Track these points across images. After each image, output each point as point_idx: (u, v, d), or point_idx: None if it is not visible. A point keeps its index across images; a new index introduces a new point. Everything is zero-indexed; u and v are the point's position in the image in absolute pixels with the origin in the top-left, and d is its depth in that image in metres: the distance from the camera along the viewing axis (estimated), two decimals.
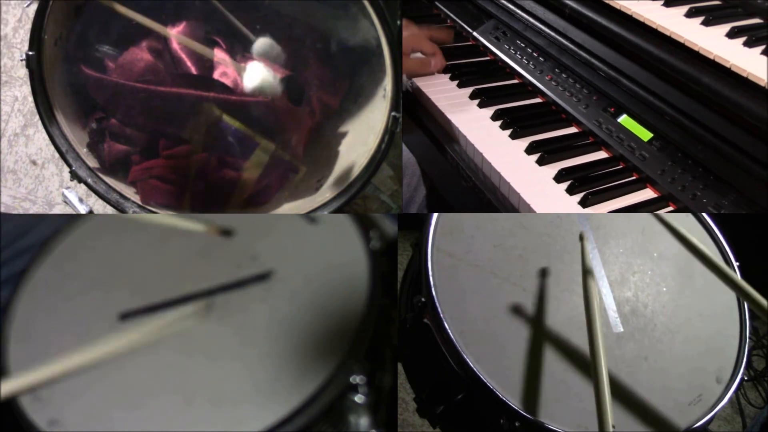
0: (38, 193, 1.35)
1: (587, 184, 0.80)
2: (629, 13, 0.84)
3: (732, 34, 0.78)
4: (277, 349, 0.75)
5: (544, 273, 0.91)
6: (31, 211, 1.34)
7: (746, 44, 0.76)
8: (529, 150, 0.87)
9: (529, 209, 0.78)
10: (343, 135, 1.14)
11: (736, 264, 0.99)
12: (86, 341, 0.75)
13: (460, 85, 1.00)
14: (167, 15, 1.07)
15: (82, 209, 1.27)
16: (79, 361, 0.73)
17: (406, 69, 1.00)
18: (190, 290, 0.82)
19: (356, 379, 0.72)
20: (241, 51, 1.11)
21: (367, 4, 0.93)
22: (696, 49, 0.76)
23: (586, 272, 0.82)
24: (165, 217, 0.88)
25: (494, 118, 0.93)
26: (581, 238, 0.90)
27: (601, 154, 0.87)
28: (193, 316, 0.79)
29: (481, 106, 0.96)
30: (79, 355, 0.73)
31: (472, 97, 0.97)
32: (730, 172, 0.74)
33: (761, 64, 0.72)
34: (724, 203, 0.74)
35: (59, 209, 1.34)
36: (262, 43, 1.08)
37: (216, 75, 1.08)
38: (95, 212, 1.29)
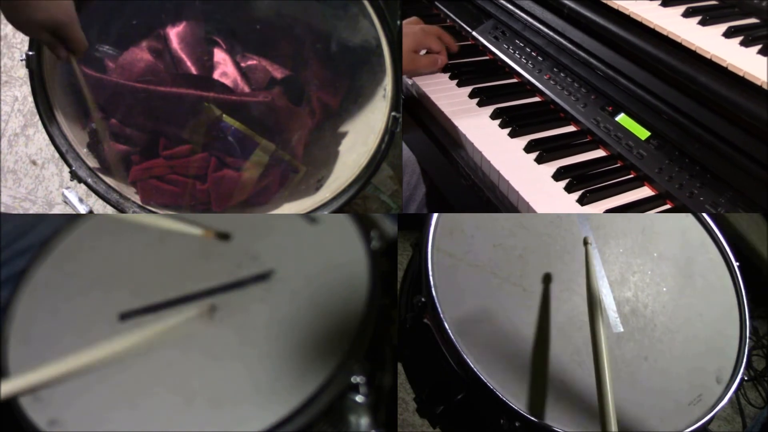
0: (38, 193, 1.35)
1: (585, 182, 0.81)
2: (627, 12, 0.85)
3: (729, 34, 0.78)
4: (277, 349, 0.75)
5: (546, 278, 0.91)
6: (31, 211, 1.34)
7: (743, 44, 0.77)
8: (528, 148, 0.87)
9: (528, 207, 0.79)
10: (343, 135, 1.14)
11: (736, 264, 0.99)
12: (86, 341, 0.75)
13: (459, 84, 1.00)
14: (167, 15, 1.07)
15: (82, 209, 1.27)
16: (80, 363, 0.73)
17: (416, 67, 1.01)
18: (190, 290, 0.82)
19: (356, 379, 0.72)
20: (240, 51, 1.11)
21: (367, 4, 0.93)
22: (693, 48, 0.77)
23: (593, 301, 0.80)
24: (162, 219, 0.87)
25: (493, 116, 0.93)
26: (585, 242, 0.90)
27: (599, 153, 0.88)
28: (196, 318, 0.79)
29: (480, 105, 0.96)
30: (80, 356, 0.73)
31: (471, 96, 0.98)
32: (727, 171, 0.75)
33: (757, 64, 0.72)
34: (721, 201, 0.74)
35: (59, 209, 1.34)
36: None
37: (216, 75, 1.08)
38: (95, 212, 1.29)
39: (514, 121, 0.91)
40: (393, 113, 0.97)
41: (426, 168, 1.15)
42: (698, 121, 0.77)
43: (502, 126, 0.91)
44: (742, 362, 0.88)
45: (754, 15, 0.84)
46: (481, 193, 0.88)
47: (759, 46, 0.75)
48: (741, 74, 0.72)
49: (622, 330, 0.88)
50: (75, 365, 0.73)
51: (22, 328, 0.78)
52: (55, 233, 0.91)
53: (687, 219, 1.04)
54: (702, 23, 0.81)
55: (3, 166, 1.35)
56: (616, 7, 0.86)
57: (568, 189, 0.80)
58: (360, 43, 1.09)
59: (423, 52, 1.04)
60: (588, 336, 0.85)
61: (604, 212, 0.78)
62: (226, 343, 0.76)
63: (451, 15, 1.14)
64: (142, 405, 0.70)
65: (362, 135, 1.06)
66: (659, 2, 0.86)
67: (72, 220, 0.93)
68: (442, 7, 1.16)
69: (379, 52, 0.97)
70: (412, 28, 0.99)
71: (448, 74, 1.03)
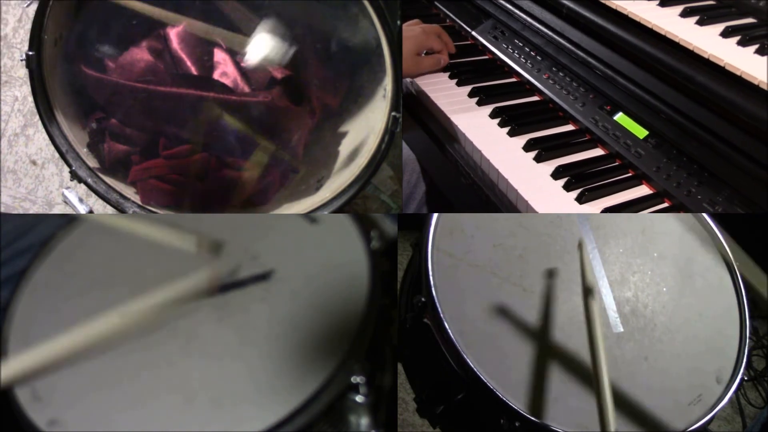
0: (38, 193, 1.35)
1: (584, 181, 0.81)
2: (625, 12, 0.85)
3: (726, 34, 0.79)
4: (277, 349, 0.75)
5: (548, 274, 0.91)
6: (31, 211, 1.34)
7: (740, 43, 0.77)
8: (527, 147, 0.87)
9: (527, 205, 0.79)
10: (343, 135, 1.14)
11: (736, 264, 0.99)
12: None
13: (459, 84, 1.01)
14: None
15: (82, 209, 1.27)
16: (78, 340, 0.73)
17: (419, 69, 1.02)
18: None
19: (356, 379, 0.72)
20: (241, 51, 1.11)
21: (367, 4, 0.93)
22: (691, 48, 0.77)
23: (587, 290, 0.81)
24: (156, 230, 0.86)
25: (492, 116, 0.94)
26: (579, 246, 0.90)
27: (598, 152, 0.88)
28: (195, 292, 0.79)
29: (479, 104, 0.96)
30: (78, 334, 0.74)
31: (470, 95, 0.98)
32: (724, 169, 0.75)
33: (755, 63, 0.73)
34: (718, 200, 0.75)
35: (59, 209, 1.34)
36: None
37: (216, 75, 1.08)
38: (95, 212, 1.29)
39: (513, 120, 0.91)
40: (393, 113, 0.97)
41: (426, 166, 1.15)
42: (696, 120, 0.78)
43: (501, 125, 0.92)
44: (742, 362, 0.88)
45: (752, 15, 0.85)
46: (481, 191, 0.88)
47: (756, 46, 0.76)
48: (738, 73, 0.72)
49: (622, 330, 0.88)
50: (73, 343, 0.73)
51: (22, 328, 0.78)
52: (55, 233, 0.91)
53: (687, 219, 1.04)
54: (700, 23, 0.82)
55: (3, 166, 1.35)
56: (614, 7, 0.86)
57: (567, 187, 0.81)
58: (360, 43, 1.08)
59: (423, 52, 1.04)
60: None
61: (603, 210, 0.79)
62: (226, 343, 0.76)
63: (451, 15, 1.14)
64: (142, 405, 0.70)
65: (362, 135, 1.06)
66: (657, 2, 0.87)
67: (72, 220, 0.93)
68: (441, 7, 1.16)
69: (379, 52, 0.97)
70: (412, 30, 1.00)
71: (448, 73, 1.03)
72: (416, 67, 1.01)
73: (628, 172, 0.84)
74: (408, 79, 1.02)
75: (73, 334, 0.74)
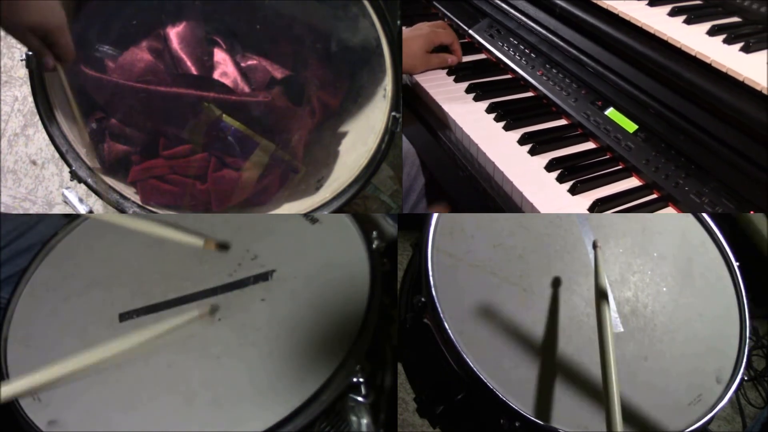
0: (38, 193, 1.35)
1: (576, 173, 0.83)
2: (616, 12, 0.87)
3: (712, 32, 0.80)
4: (277, 349, 0.75)
5: (549, 274, 0.91)
6: (31, 211, 1.34)
7: (726, 41, 0.79)
8: (522, 141, 0.89)
9: (522, 197, 0.81)
10: (343, 135, 1.14)
11: (736, 264, 0.99)
12: (85, 342, 0.75)
13: (456, 80, 1.03)
14: (167, 15, 1.07)
15: (82, 209, 1.27)
16: (80, 364, 0.73)
17: (428, 67, 1.03)
18: (190, 290, 0.82)
19: (356, 379, 0.72)
20: (240, 51, 1.11)
21: (367, 4, 0.93)
22: (678, 46, 0.79)
23: (600, 294, 0.80)
24: (162, 227, 0.87)
25: (489, 111, 0.96)
26: (595, 246, 0.89)
27: (590, 145, 0.90)
28: (196, 319, 0.78)
29: (476, 99, 0.98)
30: (80, 358, 0.73)
31: (467, 91, 1.00)
32: (711, 162, 0.77)
33: (739, 61, 0.74)
34: (705, 191, 0.76)
35: (59, 209, 1.34)
36: None
37: (216, 75, 1.08)
38: (95, 212, 1.29)
39: (508, 115, 0.93)
40: (393, 113, 0.97)
41: (425, 160, 1.17)
42: (683, 115, 0.80)
43: (497, 119, 0.94)
44: (742, 362, 0.88)
45: (737, 14, 0.87)
46: (478, 183, 0.90)
47: (741, 44, 0.77)
48: (724, 70, 0.74)
49: (622, 330, 0.88)
50: (75, 366, 0.72)
51: (21, 329, 0.78)
52: (54, 233, 0.91)
53: (687, 219, 1.04)
54: (687, 22, 0.84)
55: (3, 166, 1.35)
56: (605, 6, 0.89)
57: (560, 179, 0.83)
58: (360, 43, 1.09)
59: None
60: (588, 336, 0.85)
61: (594, 201, 0.80)
62: (226, 343, 0.76)
63: (449, 14, 1.16)
64: (142, 405, 0.70)
65: (362, 135, 1.06)
66: (646, 2, 0.89)
67: (72, 220, 0.93)
68: (440, 7, 1.18)
69: (379, 52, 0.98)
70: (420, 29, 1.01)
71: (446, 70, 1.05)
72: (425, 65, 1.02)
73: (619, 165, 0.86)
74: (408, 77, 1.04)
75: (70, 362, 0.73)
